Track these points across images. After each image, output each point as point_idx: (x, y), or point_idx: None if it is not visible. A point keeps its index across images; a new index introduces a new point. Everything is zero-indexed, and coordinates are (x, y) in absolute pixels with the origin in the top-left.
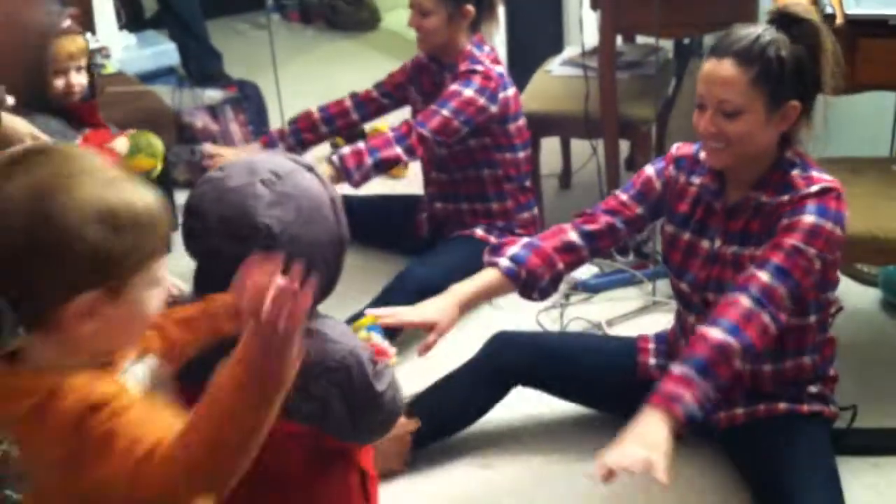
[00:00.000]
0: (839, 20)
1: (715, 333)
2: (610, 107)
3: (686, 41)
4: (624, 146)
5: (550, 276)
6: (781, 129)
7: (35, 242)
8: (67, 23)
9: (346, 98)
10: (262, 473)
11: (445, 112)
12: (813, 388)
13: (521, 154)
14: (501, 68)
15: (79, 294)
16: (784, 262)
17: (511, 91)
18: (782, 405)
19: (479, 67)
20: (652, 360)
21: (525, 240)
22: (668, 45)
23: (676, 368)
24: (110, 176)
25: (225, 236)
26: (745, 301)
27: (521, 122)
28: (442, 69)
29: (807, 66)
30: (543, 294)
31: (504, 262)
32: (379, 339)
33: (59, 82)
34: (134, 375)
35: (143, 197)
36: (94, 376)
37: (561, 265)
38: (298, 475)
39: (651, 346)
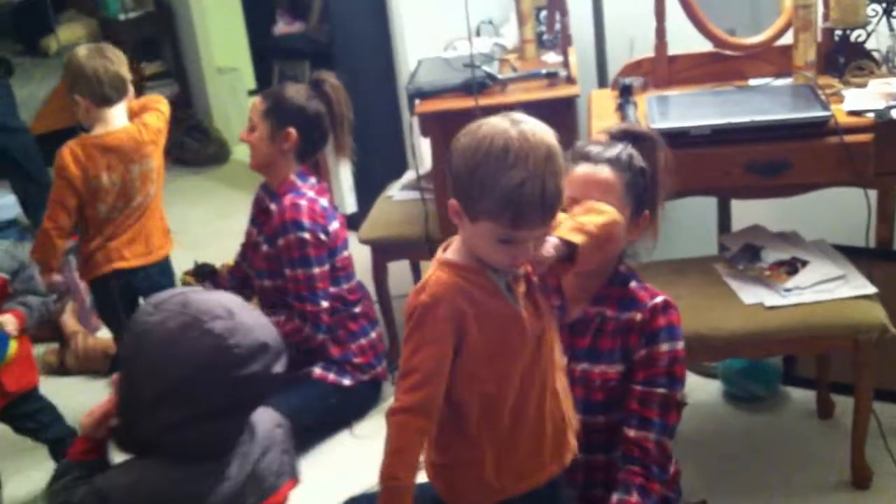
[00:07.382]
0: None
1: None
2: (448, 228)
3: None
4: None
5: None
6: (633, 237)
7: None
8: None
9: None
10: None
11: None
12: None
13: (345, 286)
14: (325, 201)
15: None
16: (659, 416)
17: (336, 224)
18: None
19: (301, 202)
20: None
21: None
22: None
23: None
24: None
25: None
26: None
27: (347, 253)
28: (268, 196)
29: (650, 178)
30: None
31: None
32: None
33: None
34: None
35: None
36: None
37: None
38: None
39: None
